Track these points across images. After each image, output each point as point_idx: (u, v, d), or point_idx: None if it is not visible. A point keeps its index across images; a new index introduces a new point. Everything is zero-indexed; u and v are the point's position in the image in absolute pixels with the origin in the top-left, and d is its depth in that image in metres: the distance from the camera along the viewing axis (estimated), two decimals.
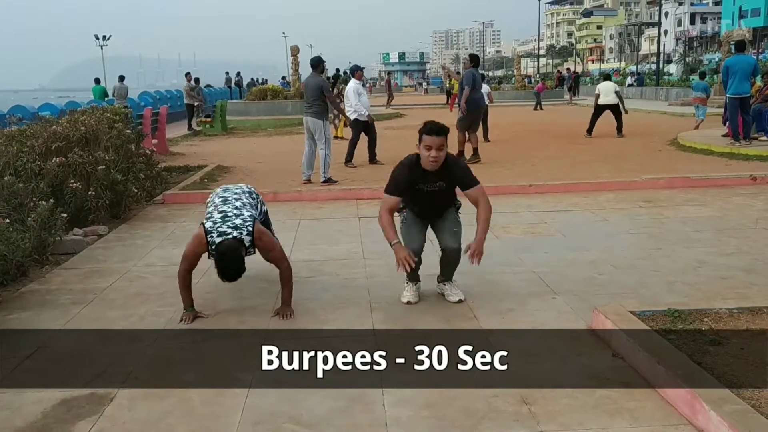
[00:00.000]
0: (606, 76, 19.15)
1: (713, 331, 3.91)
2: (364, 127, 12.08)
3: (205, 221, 4.51)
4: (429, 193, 4.64)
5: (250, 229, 4.46)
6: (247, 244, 4.45)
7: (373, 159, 12.18)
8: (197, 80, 24.92)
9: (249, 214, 4.56)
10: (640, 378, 3.53)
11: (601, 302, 4.43)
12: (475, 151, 11.97)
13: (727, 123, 13.47)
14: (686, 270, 5.43)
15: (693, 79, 40.64)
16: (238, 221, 4.46)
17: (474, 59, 12.79)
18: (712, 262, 5.64)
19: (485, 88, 16.61)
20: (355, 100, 11.90)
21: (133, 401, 3.45)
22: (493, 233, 6.76)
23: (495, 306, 4.69)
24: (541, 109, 28.40)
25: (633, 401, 3.31)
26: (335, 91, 17.48)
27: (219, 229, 4.40)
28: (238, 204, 4.65)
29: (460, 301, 4.78)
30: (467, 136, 12.15)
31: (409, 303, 4.77)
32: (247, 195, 4.89)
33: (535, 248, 6.24)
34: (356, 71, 12.58)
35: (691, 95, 19.87)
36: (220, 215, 4.50)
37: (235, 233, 4.40)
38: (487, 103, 16.25)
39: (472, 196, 4.64)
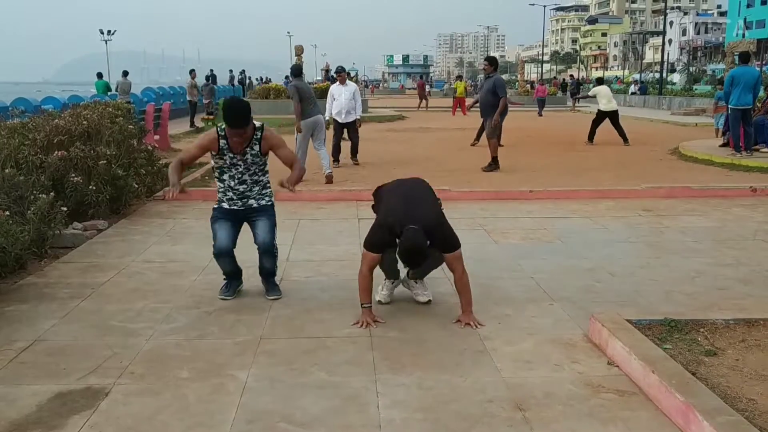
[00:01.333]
0: (599, 80, 19.16)
1: (709, 341, 3.92)
2: (346, 128, 12.15)
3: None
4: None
5: (261, 123, 4.76)
6: (257, 125, 4.70)
7: (353, 157, 12.31)
8: (208, 77, 25.04)
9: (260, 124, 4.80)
10: (635, 387, 3.53)
11: (598, 310, 4.44)
12: (495, 159, 11.64)
13: (727, 133, 13.50)
14: (684, 280, 5.44)
15: (696, 89, 40.74)
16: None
17: (495, 63, 12.36)
18: (710, 272, 5.65)
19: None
20: (328, 103, 12.05)
21: (127, 396, 3.46)
22: (492, 238, 6.78)
23: (492, 311, 4.69)
24: (540, 115, 28.45)
25: (627, 410, 3.32)
26: None
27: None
28: None
29: (429, 301, 4.79)
30: (489, 142, 11.92)
31: (380, 303, 4.77)
32: None
33: (533, 254, 6.25)
34: (338, 73, 12.50)
35: (695, 103, 19.92)
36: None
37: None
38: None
39: (449, 261, 4.48)
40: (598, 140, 16.08)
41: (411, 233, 4.19)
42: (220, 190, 4.91)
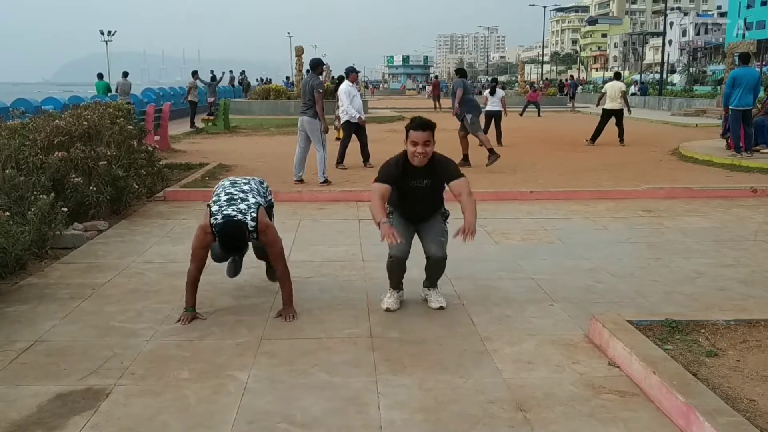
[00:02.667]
0: (616, 75, 18.82)
1: (710, 342, 3.91)
2: (355, 129, 12.10)
3: (211, 203, 4.53)
4: (415, 191, 4.61)
5: (254, 215, 4.45)
6: (250, 229, 4.43)
7: (366, 161, 12.19)
8: (213, 77, 25.09)
9: (254, 201, 4.55)
10: (636, 387, 3.53)
11: (599, 310, 4.44)
12: (491, 150, 12.01)
13: (727, 134, 13.50)
14: (684, 280, 5.44)
15: (696, 90, 40.76)
16: (243, 206, 4.45)
17: (462, 73, 13.18)
18: (711, 273, 5.64)
19: (500, 93, 16.68)
20: (347, 103, 11.93)
21: (128, 397, 3.45)
22: (492, 239, 6.78)
23: (493, 312, 4.69)
24: (539, 115, 28.43)
25: (628, 411, 3.31)
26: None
27: (224, 212, 4.40)
28: (245, 188, 4.66)
29: (441, 308, 4.74)
30: (479, 137, 12.23)
31: (388, 310, 4.72)
32: (258, 182, 4.94)
33: (533, 255, 6.25)
34: (350, 73, 12.55)
35: (695, 104, 19.87)
36: (226, 197, 4.51)
37: (239, 216, 4.39)
38: (500, 108, 16.35)
39: (456, 188, 4.51)
40: (599, 141, 16.06)
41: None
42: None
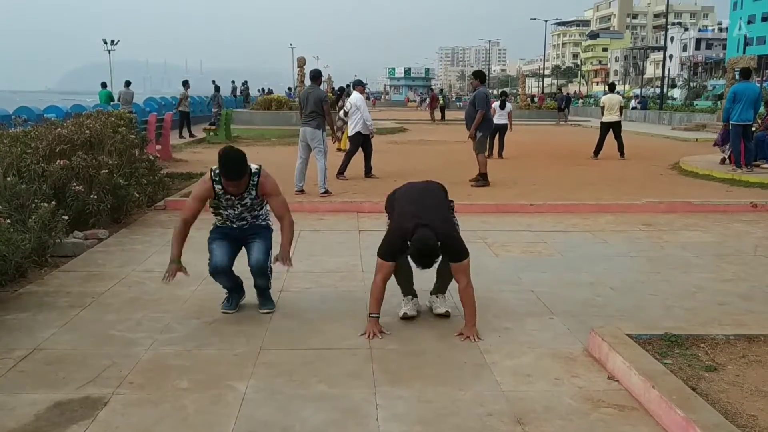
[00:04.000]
0: (611, 87, 18.64)
1: (709, 357, 3.91)
2: (363, 141, 12.13)
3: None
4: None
5: (257, 168, 4.64)
6: (253, 171, 4.59)
7: (368, 173, 12.20)
8: (218, 88, 25.21)
9: (256, 166, 4.68)
10: (635, 402, 3.53)
11: (598, 324, 4.44)
12: (484, 175, 11.31)
13: (727, 148, 13.53)
14: (684, 295, 5.44)
15: (697, 104, 40.87)
16: (245, 167, 4.55)
17: (481, 76, 11.96)
18: (711, 287, 5.64)
19: (509, 107, 16.67)
20: (366, 113, 12.01)
21: (126, 406, 3.45)
22: (492, 251, 6.78)
23: (492, 324, 4.69)
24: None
25: (627, 425, 3.31)
26: (340, 103, 17.60)
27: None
28: None
29: (447, 313, 4.79)
30: (478, 158, 11.55)
31: (405, 316, 4.73)
32: None
33: (533, 268, 6.25)
34: (357, 85, 12.61)
35: (696, 119, 19.88)
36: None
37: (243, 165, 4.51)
38: (506, 122, 16.30)
39: (454, 271, 4.49)
40: (600, 154, 16.07)
41: (422, 233, 4.21)
42: (218, 221, 4.92)
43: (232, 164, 4.47)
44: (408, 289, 4.84)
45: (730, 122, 12.66)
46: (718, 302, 5.25)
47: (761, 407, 3.30)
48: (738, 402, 3.35)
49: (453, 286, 4.92)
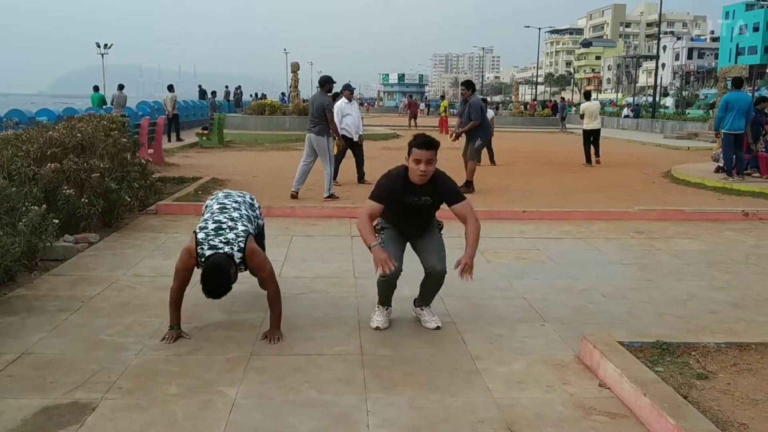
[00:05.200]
0: (587, 95, 18.79)
1: (701, 365, 3.91)
2: (349, 145, 12.09)
3: (198, 230, 4.40)
4: (414, 207, 4.56)
5: (242, 245, 4.32)
6: (237, 261, 4.32)
7: (361, 179, 12.18)
8: (214, 93, 25.15)
9: (243, 228, 4.43)
10: (626, 409, 3.52)
11: (590, 331, 4.43)
12: (470, 183, 11.41)
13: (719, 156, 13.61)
14: (676, 302, 5.44)
15: (689, 113, 41.06)
16: (231, 235, 4.33)
17: (473, 86, 12.15)
18: (702, 295, 5.65)
19: (490, 113, 16.69)
20: (349, 119, 11.94)
21: (115, 411, 3.42)
22: (484, 257, 6.77)
23: (484, 330, 4.68)
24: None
25: None
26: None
27: (210, 242, 4.29)
28: (235, 215, 4.53)
29: (437, 327, 4.68)
30: (468, 165, 11.68)
31: (377, 329, 4.64)
32: (248, 206, 4.82)
33: (525, 274, 6.25)
34: (345, 90, 12.58)
35: (688, 127, 19.98)
36: (214, 225, 4.39)
37: (226, 248, 4.27)
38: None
39: (460, 213, 4.53)
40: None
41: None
42: None
43: (218, 288, 4.25)
44: (386, 299, 4.74)
45: (722, 131, 12.72)
46: (709, 310, 5.25)
47: (752, 416, 3.30)
48: (729, 410, 3.35)
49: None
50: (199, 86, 38.41)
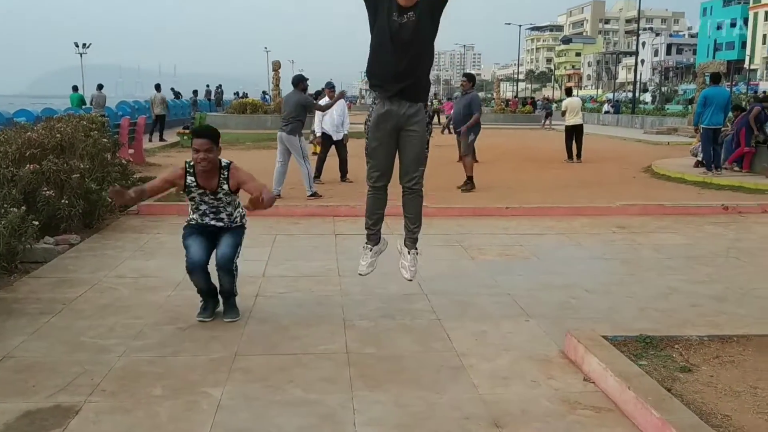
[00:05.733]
0: (568, 91, 18.90)
1: (684, 358, 3.94)
2: (335, 144, 12.06)
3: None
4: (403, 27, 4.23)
5: (229, 161, 4.72)
6: (223, 165, 4.67)
7: (344, 177, 12.16)
8: (195, 92, 24.99)
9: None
10: (611, 403, 3.54)
11: (574, 326, 4.45)
12: (471, 178, 11.29)
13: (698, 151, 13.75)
14: (658, 296, 5.49)
15: (668, 108, 41.44)
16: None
17: (473, 79, 12.15)
18: (684, 289, 5.70)
19: None
20: (318, 117, 11.93)
21: (99, 414, 3.38)
22: (468, 254, 6.80)
23: (469, 327, 4.69)
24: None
25: (603, 427, 3.32)
26: None
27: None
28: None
29: (409, 280, 4.82)
30: (465, 161, 11.53)
31: (360, 274, 4.80)
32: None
33: (509, 271, 6.27)
34: (327, 88, 12.54)
35: (667, 123, 20.12)
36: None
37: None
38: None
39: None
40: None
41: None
42: (193, 216, 4.87)
43: (203, 127, 4.79)
44: (374, 228, 4.78)
45: (701, 126, 12.86)
46: (691, 304, 5.30)
47: (735, 407, 3.34)
48: (712, 402, 3.38)
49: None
50: (172, 89, 38.15)
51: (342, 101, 12.23)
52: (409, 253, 4.82)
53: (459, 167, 12.27)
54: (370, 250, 4.82)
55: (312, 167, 10.40)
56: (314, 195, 10.04)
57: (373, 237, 4.82)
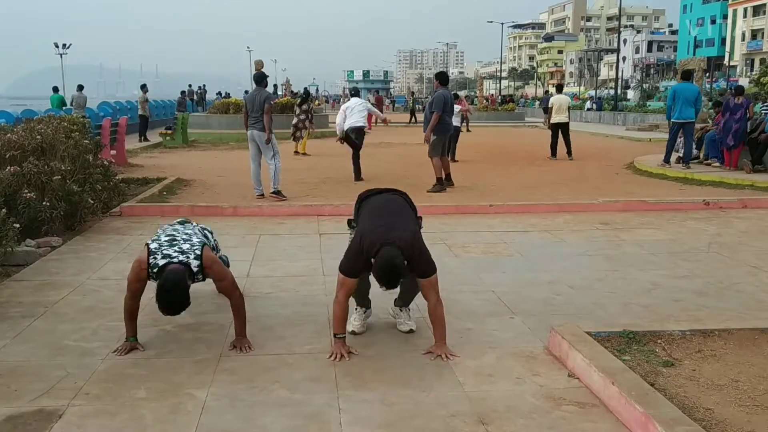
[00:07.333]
0: (559, 88, 18.85)
1: (666, 352, 3.98)
2: (356, 130, 12.51)
3: (150, 242, 4.20)
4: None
5: (198, 252, 4.12)
6: (194, 270, 4.09)
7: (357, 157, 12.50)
8: (183, 92, 24.86)
9: (199, 240, 4.27)
10: (595, 398, 3.57)
11: (558, 323, 4.48)
12: (440, 180, 10.95)
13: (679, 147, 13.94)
14: (641, 292, 5.53)
15: (650, 105, 41.70)
16: (185, 246, 4.14)
17: (442, 78, 11.53)
18: (666, 284, 5.75)
19: (456, 108, 16.61)
20: (341, 117, 12.62)
21: (82, 418, 3.36)
22: (453, 252, 6.81)
23: (453, 325, 4.68)
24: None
25: (588, 422, 3.34)
26: (305, 107, 17.52)
27: (164, 251, 4.07)
28: (189, 231, 4.37)
29: (411, 331, 4.57)
30: (433, 162, 11.11)
31: (353, 333, 4.50)
32: (201, 228, 4.64)
33: (493, 268, 6.29)
34: (374, 94, 13.19)
35: (649, 119, 20.20)
36: (167, 238, 4.22)
37: (181, 257, 4.05)
38: (458, 124, 16.31)
39: (423, 288, 4.25)
40: (559, 155, 16.28)
41: (386, 252, 3.92)
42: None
43: (172, 308, 4.00)
44: (362, 300, 4.62)
45: (672, 120, 13.14)
46: (673, 299, 5.35)
47: (717, 400, 3.37)
48: (695, 396, 3.42)
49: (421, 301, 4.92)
50: (142, 87, 37.90)
51: (361, 100, 13.04)
52: (401, 310, 4.67)
53: (430, 168, 12.23)
54: (364, 313, 4.65)
55: (281, 164, 10.19)
56: (277, 193, 9.86)
57: (365, 303, 4.68)
